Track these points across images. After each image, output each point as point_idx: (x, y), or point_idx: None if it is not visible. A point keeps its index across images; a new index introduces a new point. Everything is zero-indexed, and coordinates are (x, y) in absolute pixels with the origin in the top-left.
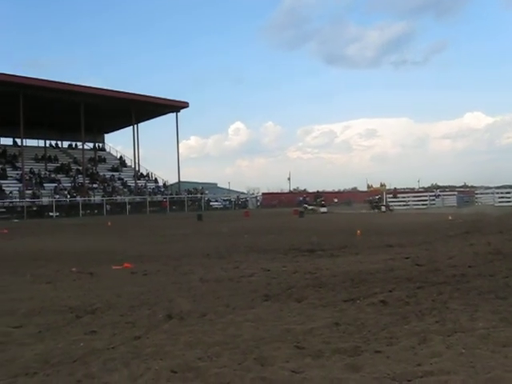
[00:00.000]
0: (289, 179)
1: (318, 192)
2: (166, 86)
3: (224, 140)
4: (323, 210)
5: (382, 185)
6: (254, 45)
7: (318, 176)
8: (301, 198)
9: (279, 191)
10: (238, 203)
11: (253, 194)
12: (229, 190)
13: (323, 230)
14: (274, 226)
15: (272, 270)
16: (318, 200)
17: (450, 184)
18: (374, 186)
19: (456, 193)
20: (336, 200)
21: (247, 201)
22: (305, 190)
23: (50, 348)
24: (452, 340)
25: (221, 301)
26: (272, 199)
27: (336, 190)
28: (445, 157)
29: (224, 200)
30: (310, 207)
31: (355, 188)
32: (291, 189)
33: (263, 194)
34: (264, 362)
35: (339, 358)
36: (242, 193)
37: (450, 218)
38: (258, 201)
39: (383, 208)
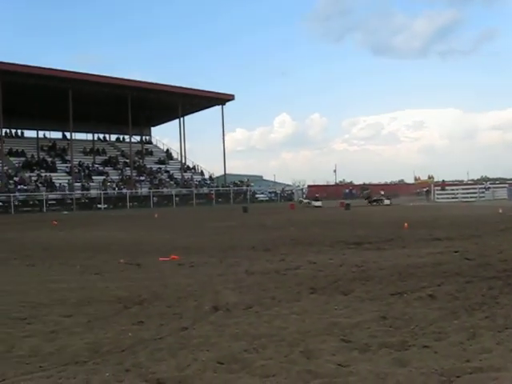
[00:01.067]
0: (335, 171)
1: (364, 184)
2: (211, 79)
3: (269, 132)
4: (318, 204)
5: (430, 177)
6: (298, 36)
7: (364, 168)
8: (347, 191)
9: (325, 183)
10: (284, 195)
11: (298, 186)
12: (274, 183)
13: (370, 223)
14: (319, 218)
15: (318, 263)
16: (365, 192)
17: (501, 176)
18: (421, 179)
19: (507, 185)
20: (382, 192)
21: (293, 193)
22: (351, 182)
23: (99, 337)
24: (503, 336)
25: (267, 293)
26: (318, 191)
27: (382, 182)
28: (495, 148)
29: (269, 192)
30: (306, 201)
31: (402, 180)
32: (337, 181)
33: (309, 186)
34: (310, 355)
35: (386, 352)
36: (288, 185)
37: (500, 211)
38: (303, 193)
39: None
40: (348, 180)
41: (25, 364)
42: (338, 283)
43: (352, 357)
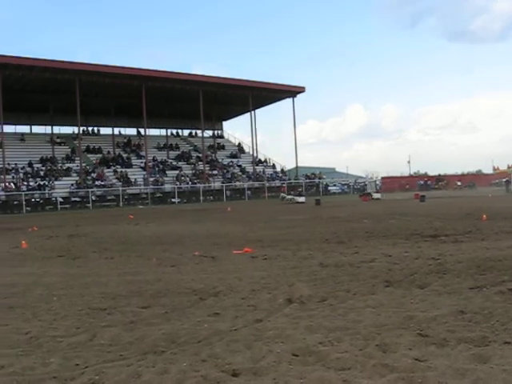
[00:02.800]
0: (409, 162)
1: (439, 175)
2: (281, 72)
3: (342, 124)
4: (301, 199)
5: (510, 167)
6: (369, 23)
7: (439, 158)
8: (421, 182)
9: (399, 175)
10: (357, 188)
11: (372, 178)
12: (347, 175)
13: (446, 215)
14: (394, 210)
15: (393, 256)
16: (440, 183)
17: None
18: (500, 169)
19: None
20: (459, 183)
21: (366, 185)
22: (425, 173)
23: (176, 328)
24: None
25: (341, 286)
26: (391, 183)
27: (459, 172)
28: None
29: (342, 184)
30: (289, 197)
31: (480, 170)
32: (411, 172)
33: (382, 178)
34: (386, 349)
35: (465, 347)
36: (361, 177)
37: None
38: (377, 185)
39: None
40: (422, 171)
41: (106, 352)
42: (413, 276)
43: (429, 351)
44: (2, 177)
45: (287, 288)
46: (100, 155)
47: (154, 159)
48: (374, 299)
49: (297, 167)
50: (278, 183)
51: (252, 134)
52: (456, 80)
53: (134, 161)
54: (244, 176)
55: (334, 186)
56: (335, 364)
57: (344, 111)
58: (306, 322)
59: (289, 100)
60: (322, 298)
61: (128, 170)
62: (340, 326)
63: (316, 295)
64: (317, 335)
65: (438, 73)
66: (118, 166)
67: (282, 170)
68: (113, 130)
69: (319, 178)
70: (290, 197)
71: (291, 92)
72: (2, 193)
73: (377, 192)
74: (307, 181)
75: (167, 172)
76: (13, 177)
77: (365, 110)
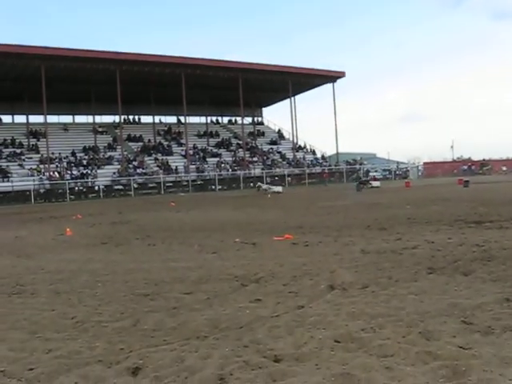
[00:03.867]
0: (452, 147)
1: (483, 160)
2: (321, 57)
3: (383, 108)
4: (277, 189)
5: None
6: (413, 6)
7: (484, 143)
8: (465, 167)
9: (442, 160)
10: (399, 173)
11: (413, 163)
12: (388, 160)
13: (491, 200)
14: (436, 196)
15: (436, 242)
16: (485, 168)
17: None
18: None
19: None
20: (504, 168)
21: (408, 171)
22: (469, 158)
23: (218, 314)
24: None
25: (383, 273)
26: (434, 169)
27: (504, 157)
28: None
29: (383, 170)
30: (265, 186)
31: None
32: (454, 157)
33: (424, 163)
34: (429, 337)
35: (511, 335)
36: (402, 163)
37: None
38: (419, 170)
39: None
40: (466, 156)
41: (150, 337)
42: (457, 263)
43: (474, 339)
44: (47, 166)
45: (329, 274)
46: (141, 143)
47: (194, 147)
48: (417, 286)
49: (337, 153)
50: (318, 169)
51: (292, 120)
52: (502, 61)
53: (175, 148)
54: (284, 162)
55: (376, 171)
56: (377, 351)
57: (385, 96)
58: (348, 309)
59: (329, 85)
60: (364, 284)
61: (169, 157)
62: (382, 313)
63: (358, 282)
64: (359, 322)
65: (482, 54)
66: (159, 154)
67: (323, 156)
68: (153, 119)
69: (360, 164)
70: (265, 186)
71: (331, 77)
72: (47, 182)
73: (375, 180)
74: (348, 167)
75: (207, 159)
76: (56, 166)
77: (406, 95)
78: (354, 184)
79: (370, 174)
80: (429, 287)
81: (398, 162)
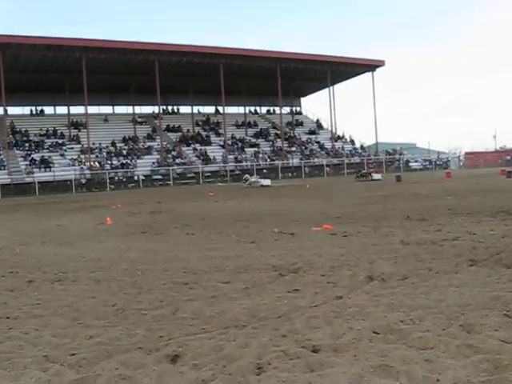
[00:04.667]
0: (494, 137)
1: None
2: (360, 46)
3: (423, 98)
4: (266, 182)
5: None
6: None
7: None
8: (508, 157)
9: (484, 150)
10: (439, 164)
11: (454, 153)
12: (428, 150)
13: None
14: (478, 187)
15: (478, 234)
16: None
17: None
18: None
19: None
20: None
21: (448, 161)
22: None
23: (257, 303)
24: None
25: (423, 264)
26: (476, 159)
27: None
28: None
29: (424, 160)
30: (252, 179)
31: None
32: (497, 147)
33: (466, 153)
34: (470, 330)
35: None
36: (443, 153)
37: None
38: (460, 160)
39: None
40: (510, 146)
41: (188, 326)
42: (500, 255)
43: None
44: (87, 156)
45: (368, 265)
46: (180, 133)
47: (232, 137)
48: (458, 278)
49: (376, 143)
50: (357, 159)
51: (330, 109)
52: None
53: (213, 138)
54: (323, 152)
55: (415, 161)
56: (417, 343)
57: (426, 85)
58: (387, 300)
59: (368, 74)
60: (404, 276)
61: (207, 147)
62: (422, 305)
63: (397, 273)
64: (398, 313)
65: None
66: (198, 144)
67: (362, 146)
68: (192, 109)
69: (400, 154)
70: (253, 179)
71: (370, 66)
72: (88, 171)
73: (377, 172)
74: (387, 157)
75: (246, 149)
76: (97, 156)
77: (448, 83)
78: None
79: (410, 164)
80: (470, 279)
81: (438, 152)
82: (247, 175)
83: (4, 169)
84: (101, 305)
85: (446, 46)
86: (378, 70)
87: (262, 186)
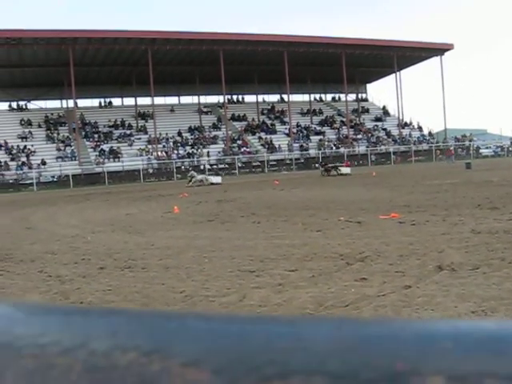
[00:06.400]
0: None
1: None
2: (428, 30)
3: (494, 81)
4: (216, 180)
5: None
6: None
7: None
8: None
9: None
10: None
11: None
12: (500, 137)
13: None
14: None
15: None
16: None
17: None
18: None
19: None
20: None
21: None
22: None
23: (323, 292)
24: None
25: (495, 254)
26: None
27: None
28: None
29: (496, 147)
30: (199, 177)
31: None
32: None
33: None
34: None
35: None
36: None
37: None
38: None
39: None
40: None
41: (256, 313)
42: None
43: None
44: (155, 146)
45: (437, 254)
46: (245, 122)
47: (297, 125)
48: None
49: (445, 129)
50: (425, 146)
51: (397, 95)
52: None
53: (278, 127)
54: (389, 140)
55: (487, 148)
56: None
57: (497, 68)
58: (458, 290)
59: (436, 59)
60: (475, 265)
61: (272, 136)
62: (494, 296)
63: (468, 263)
64: (469, 304)
65: None
66: (263, 133)
67: (430, 132)
68: (257, 98)
69: (470, 141)
70: (200, 177)
71: (438, 50)
72: (155, 161)
73: (346, 166)
74: (457, 143)
75: (311, 137)
76: (164, 146)
77: None
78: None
79: (480, 150)
80: None
81: (511, 138)
82: (192, 172)
83: (75, 159)
84: (169, 291)
85: None
86: (447, 53)
87: (212, 183)
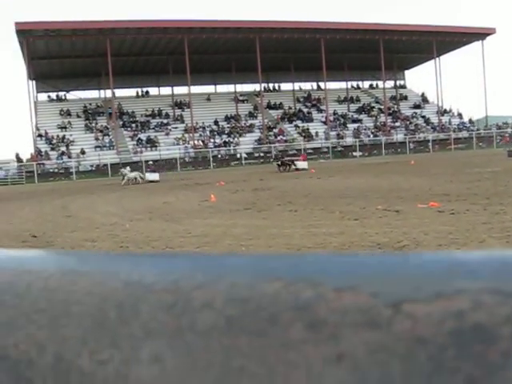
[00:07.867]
0: None
1: None
2: (468, 14)
3: None
4: (153, 177)
5: None
6: None
7: None
8: None
9: None
10: None
11: None
12: None
13: None
14: None
15: None
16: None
17: None
18: None
19: None
20: None
21: None
22: None
23: None
24: None
25: None
26: None
27: None
28: None
29: None
30: (132, 174)
31: None
32: None
33: None
34: None
35: None
36: None
37: None
38: None
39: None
40: None
41: None
42: None
43: None
44: (191, 135)
45: (477, 244)
46: (281, 111)
47: (334, 113)
48: None
49: (486, 117)
50: (465, 134)
51: (437, 82)
52: None
53: (315, 115)
54: (428, 127)
55: None
56: None
57: None
58: None
59: (477, 43)
60: None
61: (309, 124)
62: None
63: None
64: None
65: None
66: (299, 121)
67: (470, 119)
68: (293, 85)
69: None
70: (133, 174)
71: (480, 35)
72: (191, 150)
73: (304, 160)
74: (498, 131)
75: (348, 125)
76: (200, 135)
77: None
78: (274, 164)
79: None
80: None
81: None
82: (123, 169)
83: (113, 149)
84: None
85: None
86: (488, 38)
87: (151, 181)
